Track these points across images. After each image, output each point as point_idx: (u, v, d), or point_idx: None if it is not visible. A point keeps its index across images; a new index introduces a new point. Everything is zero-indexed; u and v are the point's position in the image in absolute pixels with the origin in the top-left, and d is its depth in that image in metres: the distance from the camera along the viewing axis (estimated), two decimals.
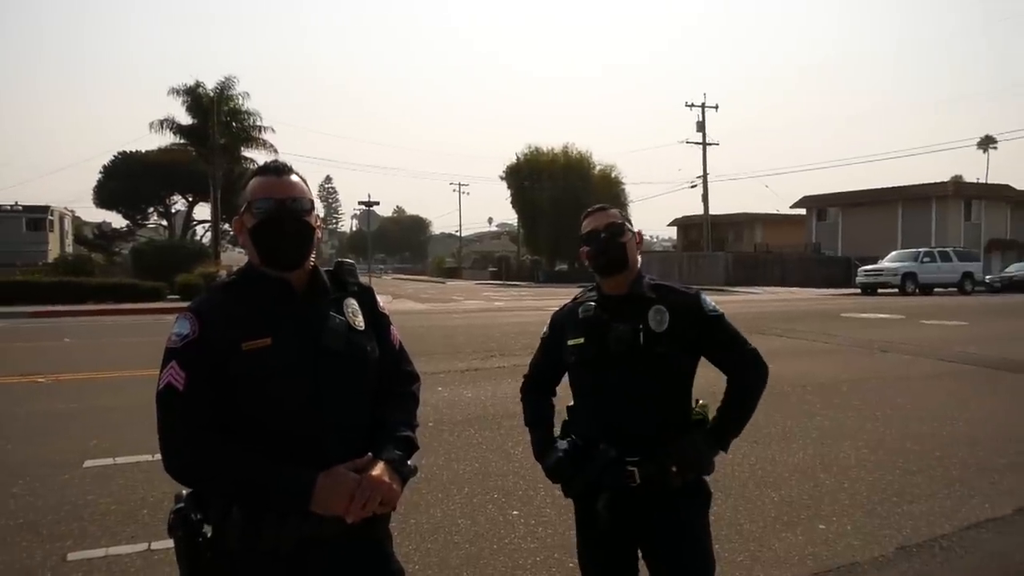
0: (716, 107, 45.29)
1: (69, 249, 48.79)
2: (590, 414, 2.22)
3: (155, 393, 1.64)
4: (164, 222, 52.09)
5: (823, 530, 4.09)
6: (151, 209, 51.02)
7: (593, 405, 2.21)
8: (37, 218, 50.80)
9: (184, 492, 1.69)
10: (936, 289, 29.47)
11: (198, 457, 1.60)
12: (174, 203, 50.28)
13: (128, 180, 46.42)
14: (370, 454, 1.70)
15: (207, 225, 44.88)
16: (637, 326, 2.14)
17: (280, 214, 1.69)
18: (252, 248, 1.73)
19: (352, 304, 1.80)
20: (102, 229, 54.89)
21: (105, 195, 48.63)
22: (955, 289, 29.59)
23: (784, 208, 54.73)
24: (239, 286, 1.74)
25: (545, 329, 2.41)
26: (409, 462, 1.76)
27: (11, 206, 51.71)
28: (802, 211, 50.96)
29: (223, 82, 33.08)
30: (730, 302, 23.59)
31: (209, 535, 1.62)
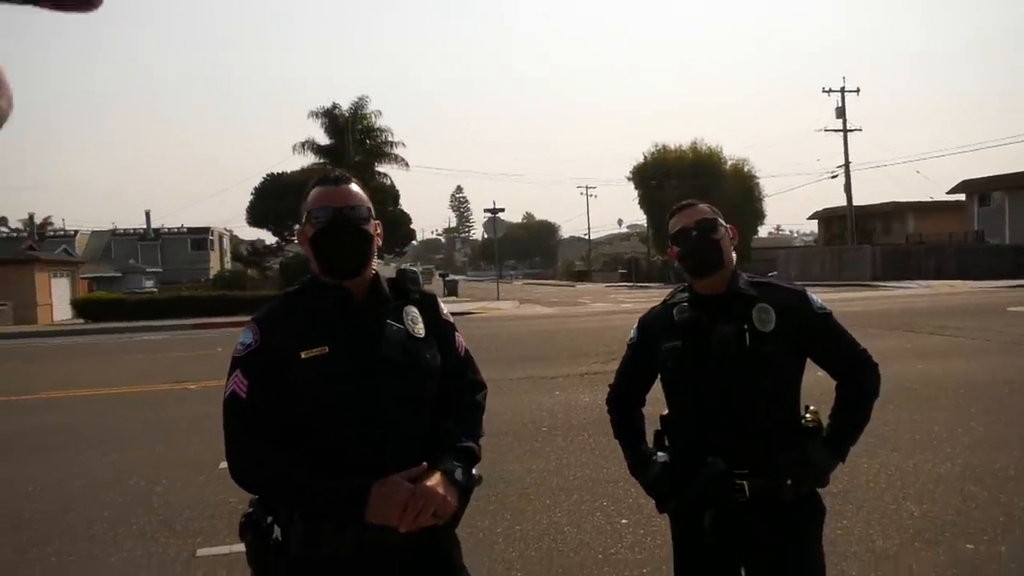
0: (857, 91, 42.48)
1: (228, 266, 53.19)
2: (690, 423, 2.09)
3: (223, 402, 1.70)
4: None
5: (971, 551, 3.65)
6: (296, 225, 54.38)
7: (694, 413, 2.07)
8: (199, 239, 55.79)
9: (255, 497, 1.73)
10: None
11: (257, 465, 1.65)
12: None
13: (276, 199, 49.81)
14: (425, 464, 1.66)
15: None
16: (742, 326, 1.99)
17: (338, 223, 1.70)
18: (312, 257, 1.75)
19: (412, 312, 1.79)
20: (255, 246, 59.27)
21: (256, 214, 52.47)
22: None
23: (939, 195, 50.32)
24: (301, 295, 1.77)
25: (633, 334, 2.29)
26: (474, 471, 1.72)
27: (177, 229, 57.11)
28: (961, 197, 46.69)
29: (356, 102, 34.91)
30: (874, 298, 21.95)
31: (279, 539, 1.64)
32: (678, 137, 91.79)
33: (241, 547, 3.89)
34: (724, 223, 2.15)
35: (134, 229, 56.02)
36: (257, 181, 52.24)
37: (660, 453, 2.15)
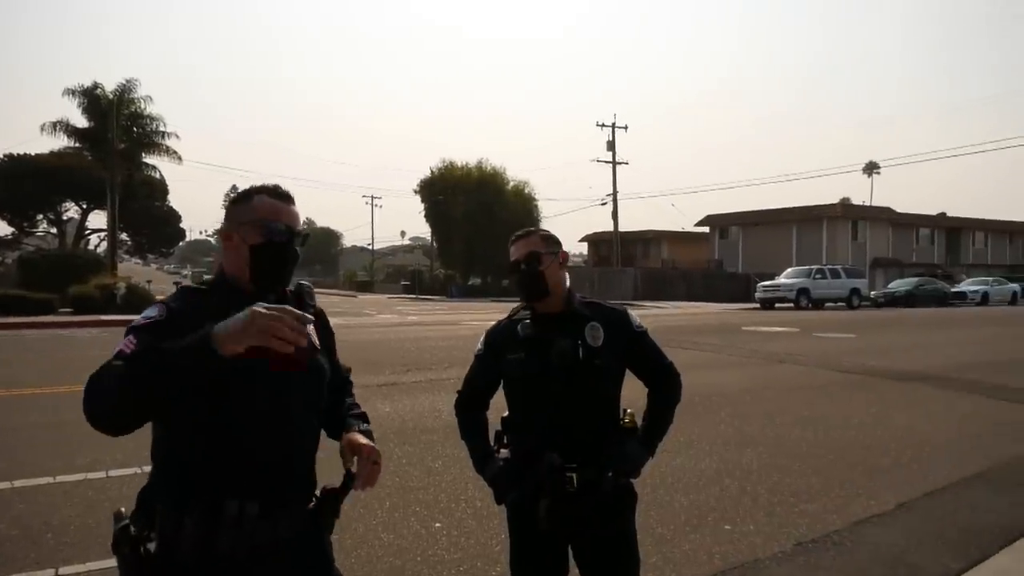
0: (626, 128, 46.77)
1: None
2: (530, 425, 2.34)
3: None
4: (54, 230, 48.97)
5: (728, 530, 4.36)
6: (40, 216, 47.88)
7: (535, 416, 2.33)
8: None
9: (123, 510, 1.68)
10: (827, 304, 31.36)
11: (112, 381, 1.48)
12: (66, 210, 47.38)
13: (15, 184, 43.41)
14: (353, 433, 1.83)
15: (102, 234, 42.58)
16: (576, 341, 2.29)
17: (291, 244, 1.77)
18: (244, 264, 1.74)
19: (311, 324, 1.87)
20: None
21: None
22: (844, 304, 31.56)
23: (689, 226, 56.93)
24: (207, 294, 1.76)
25: (480, 346, 2.50)
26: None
27: None
28: (705, 229, 53.20)
29: (124, 84, 31.57)
30: (640, 316, 24.34)
31: (153, 550, 1.61)
32: (464, 155, 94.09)
33: (102, 564, 3.56)
34: (555, 250, 2.41)
35: None
36: None
37: (501, 451, 2.42)
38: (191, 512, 1.61)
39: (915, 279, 36.62)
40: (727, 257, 49.47)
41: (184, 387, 1.48)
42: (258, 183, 1.85)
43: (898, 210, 48.61)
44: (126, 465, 5.22)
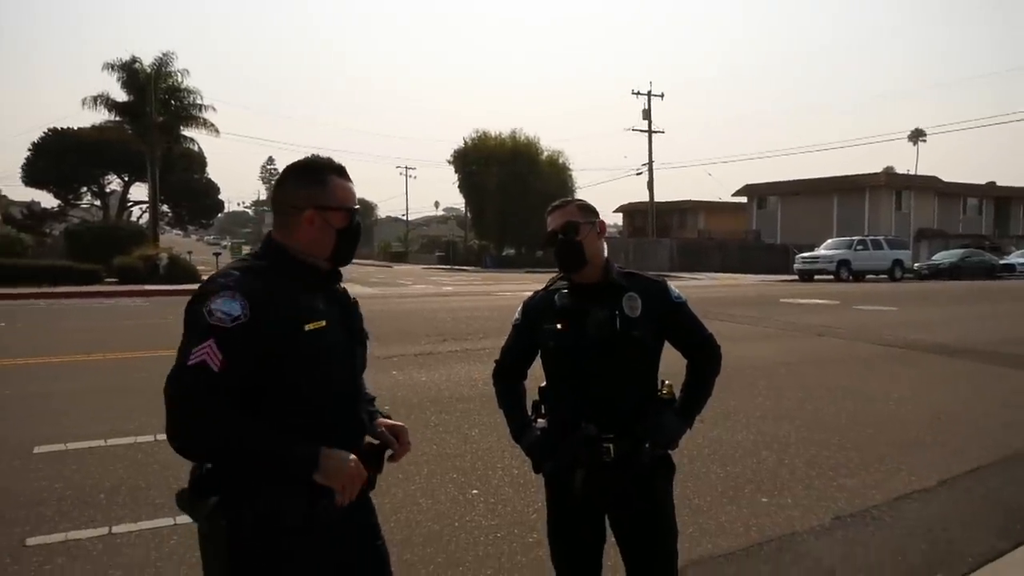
0: (662, 96, 45.96)
1: None
2: (567, 395, 2.34)
3: (177, 365, 1.59)
4: (98, 202, 50.13)
5: (765, 503, 4.35)
6: (84, 188, 49.02)
7: (570, 387, 2.33)
8: None
9: (194, 473, 1.70)
10: (868, 276, 30.72)
11: (211, 431, 1.58)
12: (108, 182, 48.44)
13: (60, 158, 44.47)
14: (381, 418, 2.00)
15: (144, 206, 43.43)
16: (614, 312, 2.27)
17: (360, 225, 1.88)
18: (327, 243, 1.80)
19: (349, 292, 1.97)
20: (31, 209, 52.50)
21: (35, 173, 46.48)
22: (886, 276, 30.89)
23: (726, 196, 56.00)
24: (276, 271, 1.75)
25: (517, 316, 2.50)
26: None
27: None
28: (743, 199, 52.30)
29: (161, 58, 31.90)
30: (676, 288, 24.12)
31: (250, 520, 1.65)
32: (498, 125, 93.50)
33: (76, 533, 3.75)
34: (592, 220, 2.38)
35: None
36: (37, 135, 46.31)
37: (539, 420, 2.43)
38: (293, 477, 1.65)
39: (961, 250, 35.65)
40: (765, 228, 48.63)
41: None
42: (312, 155, 1.90)
43: (944, 179, 47.20)
44: None
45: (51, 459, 4.99)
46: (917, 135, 76.99)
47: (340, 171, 1.86)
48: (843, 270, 29.80)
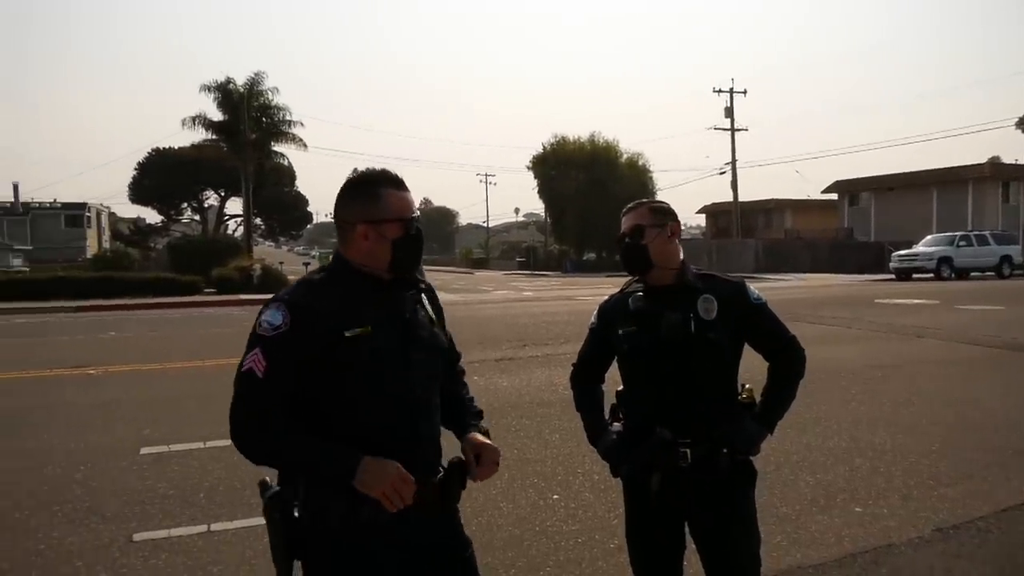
0: (744, 92, 44.75)
1: (106, 245, 49.93)
2: (642, 399, 2.33)
3: (236, 373, 1.76)
4: (197, 217, 53.00)
5: (859, 513, 4.16)
6: (184, 204, 51.96)
7: (646, 390, 2.31)
8: (75, 215, 52.05)
9: (268, 479, 1.83)
10: (973, 273, 28.91)
11: (260, 437, 1.74)
12: (206, 198, 51.16)
13: (162, 176, 47.34)
14: (476, 432, 1.98)
15: (239, 219, 45.57)
16: (688, 314, 2.24)
17: (420, 231, 1.88)
18: (386, 256, 1.84)
19: (425, 299, 1.98)
20: (137, 225, 56.04)
21: (140, 191, 49.66)
22: (992, 273, 29.02)
23: (815, 194, 53.91)
24: (329, 282, 1.84)
25: (593, 319, 2.51)
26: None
27: (50, 203, 53.02)
28: (833, 196, 50.26)
29: (252, 78, 33.46)
30: (760, 289, 23.42)
31: (299, 515, 1.75)
32: (577, 129, 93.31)
33: (179, 530, 3.95)
34: (662, 222, 2.33)
35: None
36: (142, 156, 49.40)
37: (615, 424, 2.41)
38: (334, 485, 1.72)
39: None
40: (857, 225, 46.51)
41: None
42: (366, 168, 1.93)
43: None
44: None
45: (155, 460, 5.30)
46: None
47: (394, 182, 1.88)
48: (944, 268, 28.14)
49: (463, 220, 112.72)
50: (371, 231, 1.83)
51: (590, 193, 47.86)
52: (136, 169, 49.58)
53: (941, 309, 15.69)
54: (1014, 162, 49.33)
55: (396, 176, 1.90)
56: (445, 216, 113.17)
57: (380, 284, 1.86)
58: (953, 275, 28.09)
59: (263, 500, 1.79)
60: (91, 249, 46.72)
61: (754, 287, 2.40)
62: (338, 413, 1.78)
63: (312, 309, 1.75)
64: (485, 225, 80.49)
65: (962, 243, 29.07)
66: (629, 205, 2.45)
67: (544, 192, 53.84)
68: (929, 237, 31.30)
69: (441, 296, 2.11)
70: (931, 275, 28.07)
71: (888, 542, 3.75)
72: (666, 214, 2.38)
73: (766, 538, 3.78)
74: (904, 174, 44.13)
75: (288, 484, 1.79)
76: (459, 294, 25.26)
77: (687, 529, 2.35)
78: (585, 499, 4.44)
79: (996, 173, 42.83)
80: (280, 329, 1.73)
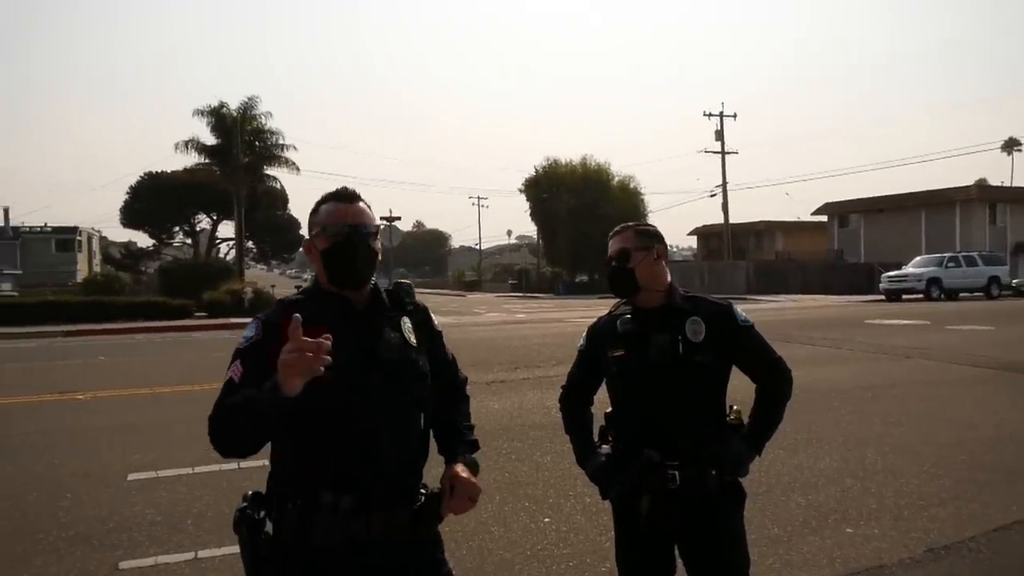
0: (734, 116, 45.12)
1: (97, 269, 49.74)
2: (631, 421, 2.34)
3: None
4: (189, 240, 52.87)
5: (850, 533, 4.15)
6: (176, 228, 51.84)
7: (634, 412, 2.33)
8: (66, 239, 51.95)
9: (248, 493, 1.83)
10: (962, 294, 29.11)
11: (220, 411, 1.74)
12: (198, 221, 51.06)
13: (154, 200, 47.26)
14: (458, 465, 1.91)
15: (231, 243, 45.51)
16: (676, 336, 2.26)
17: (352, 240, 1.84)
18: (321, 269, 1.88)
19: (407, 323, 1.95)
20: (129, 248, 55.87)
21: (132, 215, 49.54)
22: (981, 294, 29.23)
23: (805, 216, 54.36)
24: (301, 303, 1.86)
25: (582, 342, 2.52)
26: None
27: (41, 227, 52.90)
28: (823, 218, 50.64)
29: (246, 102, 33.59)
30: (752, 311, 23.51)
31: (270, 533, 1.76)
32: (569, 152, 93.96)
33: (166, 558, 3.91)
34: (648, 245, 2.35)
35: None
36: (134, 179, 49.36)
37: (604, 446, 2.41)
38: (294, 501, 1.76)
39: None
40: (847, 247, 46.83)
41: (280, 418, 1.67)
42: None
43: None
44: (257, 457, 5.57)
45: (143, 486, 5.25)
46: (1011, 144, 72.86)
47: (339, 196, 1.90)
48: (934, 288, 28.35)
49: (456, 243, 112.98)
50: (311, 246, 1.88)
51: (582, 215, 48.06)
52: (128, 193, 49.52)
53: (931, 330, 15.76)
54: (1000, 184, 49.89)
55: (347, 191, 1.92)
56: (438, 239, 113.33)
57: (346, 305, 1.86)
58: (942, 296, 28.29)
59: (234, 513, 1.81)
60: (82, 273, 46.58)
61: (742, 309, 2.42)
62: (304, 432, 1.76)
63: (278, 328, 1.74)
64: (478, 247, 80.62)
65: (951, 264, 29.32)
66: (616, 229, 2.47)
67: (536, 215, 54.06)
68: (918, 258, 31.55)
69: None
70: (921, 296, 28.27)
71: (880, 563, 3.74)
72: (652, 237, 2.40)
73: (758, 560, 3.77)
74: (893, 196, 44.58)
75: (257, 501, 1.79)
76: (451, 316, 25.22)
77: (677, 551, 2.34)
78: (577, 522, 4.42)
79: (983, 195, 43.33)
80: (252, 339, 1.81)
